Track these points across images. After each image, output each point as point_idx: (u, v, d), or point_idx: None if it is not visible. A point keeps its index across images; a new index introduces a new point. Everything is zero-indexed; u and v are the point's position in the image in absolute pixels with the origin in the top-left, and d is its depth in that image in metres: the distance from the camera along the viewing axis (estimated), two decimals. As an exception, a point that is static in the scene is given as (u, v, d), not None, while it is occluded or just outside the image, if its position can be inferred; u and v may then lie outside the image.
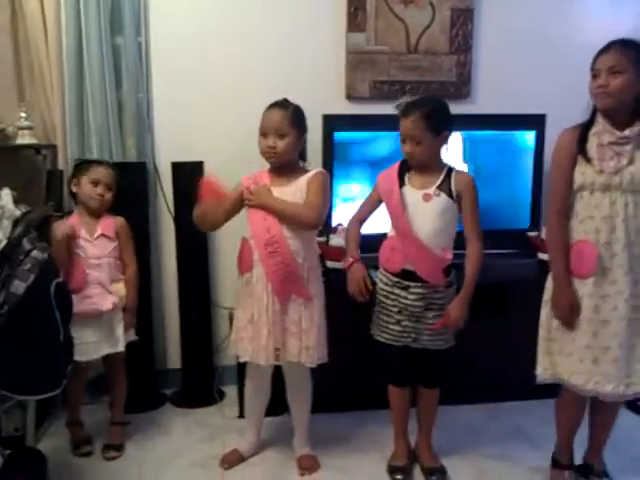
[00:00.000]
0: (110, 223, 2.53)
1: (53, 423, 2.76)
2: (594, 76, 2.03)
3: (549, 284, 2.21)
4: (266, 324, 2.27)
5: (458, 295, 2.25)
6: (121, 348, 2.49)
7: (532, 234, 3.05)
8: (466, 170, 2.33)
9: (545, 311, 2.22)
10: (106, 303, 2.41)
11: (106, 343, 2.45)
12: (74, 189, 2.52)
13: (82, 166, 2.55)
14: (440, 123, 2.21)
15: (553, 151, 2.21)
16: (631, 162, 2.03)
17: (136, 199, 2.91)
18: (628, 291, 2.03)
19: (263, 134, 2.27)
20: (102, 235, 2.49)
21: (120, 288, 2.50)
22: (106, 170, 2.53)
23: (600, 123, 2.06)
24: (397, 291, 2.28)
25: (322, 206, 2.30)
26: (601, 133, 2.05)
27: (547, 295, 2.21)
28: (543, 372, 2.20)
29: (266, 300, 2.28)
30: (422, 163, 2.25)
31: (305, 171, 2.34)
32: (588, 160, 2.06)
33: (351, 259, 2.32)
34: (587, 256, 2.07)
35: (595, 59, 2.04)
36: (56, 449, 2.57)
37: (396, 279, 2.28)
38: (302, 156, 2.41)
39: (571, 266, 2.11)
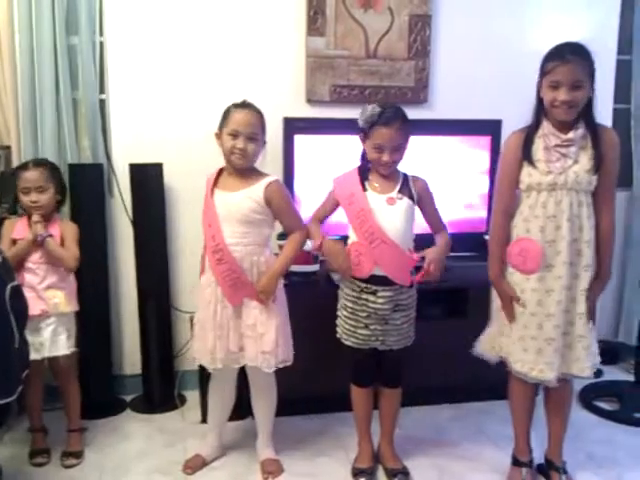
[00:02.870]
0: (56, 228, 2.47)
1: (8, 432, 2.68)
2: (553, 87, 2.05)
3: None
4: (212, 328, 2.27)
5: (434, 246, 2.28)
6: (41, 356, 2.39)
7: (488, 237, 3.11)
8: (421, 175, 2.37)
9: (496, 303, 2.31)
10: (34, 308, 2.28)
11: (32, 347, 2.30)
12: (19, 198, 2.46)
13: (15, 175, 2.46)
14: (410, 129, 2.27)
15: (501, 153, 2.28)
16: (576, 162, 2.10)
17: (93, 202, 2.86)
18: (568, 284, 2.13)
19: (233, 135, 2.24)
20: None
21: (56, 295, 2.43)
22: (33, 173, 2.42)
23: (545, 127, 2.12)
24: (365, 296, 2.29)
25: (298, 217, 2.38)
26: (547, 136, 2.12)
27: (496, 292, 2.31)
28: (488, 350, 2.32)
29: (213, 305, 2.27)
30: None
31: (258, 176, 2.31)
32: (532, 164, 2.13)
33: (320, 238, 2.32)
34: (532, 253, 2.14)
35: (551, 69, 2.04)
36: (12, 458, 2.51)
37: (364, 284, 2.29)
38: None
39: (514, 262, 2.19)
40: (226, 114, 2.28)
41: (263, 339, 2.28)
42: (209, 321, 2.28)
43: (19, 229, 2.44)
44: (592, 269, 2.15)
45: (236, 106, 2.28)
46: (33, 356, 2.32)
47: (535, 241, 2.14)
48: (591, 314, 2.18)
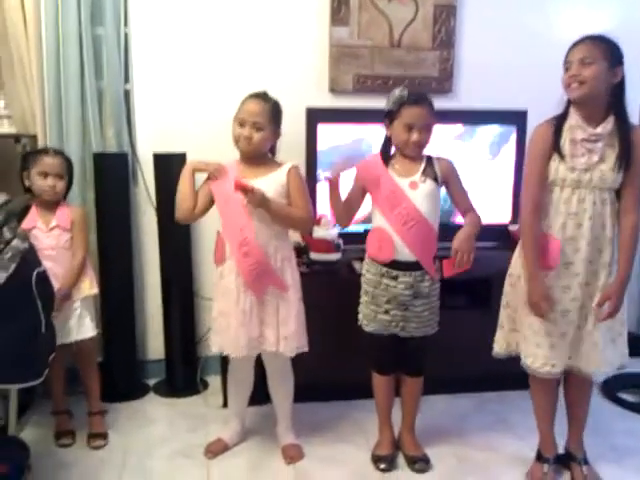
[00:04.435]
0: (66, 213, 2.49)
1: (35, 413, 2.74)
2: (566, 69, 2.06)
3: (515, 259, 2.28)
4: (235, 316, 2.28)
5: (459, 232, 2.21)
6: (70, 339, 2.45)
7: (513, 228, 3.09)
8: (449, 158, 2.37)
9: (509, 287, 2.30)
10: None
11: (61, 332, 2.36)
12: (26, 182, 2.48)
13: (29, 158, 2.49)
14: (435, 115, 2.28)
15: (528, 145, 2.24)
16: (602, 160, 2.06)
17: (117, 190, 2.90)
18: (586, 281, 2.11)
19: (240, 123, 2.26)
20: (57, 226, 2.46)
21: (80, 281, 2.48)
22: (53, 159, 2.46)
23: (573, 118, 2.08)
24: (386, 281, 2.29)
25: (309, 204, 2.35)
26: (574, 129, 2.08)
27: (512, 269, 2.29)
28: (504, 348, 2.32)
29: (236, 293, 2.28)
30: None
31: (276, 163, 2.35)
32: (561, 156, 2.09)
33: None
34: (551, 249, 2.12)
35: (567, 53, 2.07)
36: (39, 439, 2.56)
37: (385, 269, 2.29)
38: (272, 151, 2.40)
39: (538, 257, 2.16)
40: (240, 104, 2.30)
41: (284, 325, 2.31)
42: (232, 308, 2.29)
43: (28, 220, 2.43)
44: (613, 267, 2.12)
45: (250, 96, 2.30)
46: (63, 340, 2.38)
47: (555, 237, 2.12)
48: (613, 313, 2.13)
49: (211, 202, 2.33)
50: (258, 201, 2.19)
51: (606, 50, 2.02)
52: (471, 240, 2.19)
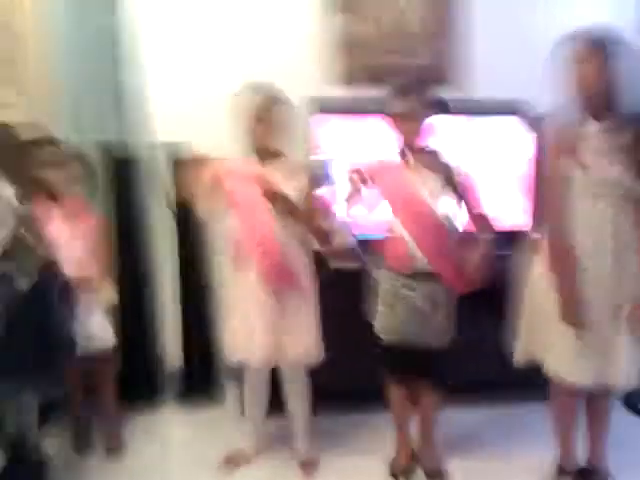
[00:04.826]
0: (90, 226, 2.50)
1: (53, 427, 2.72)
2: (567, 67, 2.02)
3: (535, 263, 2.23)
4: (260, 321, 2.27)
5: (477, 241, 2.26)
6: (93, 347, 2.43)
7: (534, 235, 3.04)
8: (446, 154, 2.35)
9: (530, 293, 2.25)
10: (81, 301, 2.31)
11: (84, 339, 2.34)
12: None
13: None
14: (432, 104, 2.27)
15: (546, 147, 2.19)
16: (613, 159, 2.02)
17: (134, 193, 2.89)
18: (612, 292, 2.07)
19: (258, 120, 2.24)
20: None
21: (102, 288, 2.49)
22: (58, 151, 2.48)
23: (584, 119, 2.06)
24: (403, 291, 2.28)
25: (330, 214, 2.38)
26: (587, 130, 2.05)
27: (527, 275, 2.25)
28: (524, 356, 2.27)
29: (260, 298, 2.27)
30: (420, 143, 2.27)
31: (286, 156, 2.34)
32: (576, 159, 2.05)
33: None
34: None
35: (565, 49, 2.03)
36: (58, 450, 2.56)
37: (402, 279, 2.28)
38: None
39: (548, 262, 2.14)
40: (247, 99, 2.27)
41: (306, 333, 2.31)
42: (256, 315, 2.27)
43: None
44: (634, 275, 2.08)
45: (255, 89, 2.28)
46: (84, 347, 2.37)
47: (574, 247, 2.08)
48: (634, 324, 2.10)
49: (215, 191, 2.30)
50: (288, 209, 2.22)
51: (603, 48, 1.99)
52: (486, 258, 2.23)
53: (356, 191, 2.30)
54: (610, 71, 1.99)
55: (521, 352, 2.29)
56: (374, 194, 2.32)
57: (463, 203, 2.30)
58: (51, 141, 2.50)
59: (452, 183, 2.27)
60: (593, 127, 2.05)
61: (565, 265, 2.11)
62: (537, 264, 2.22)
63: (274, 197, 2.19)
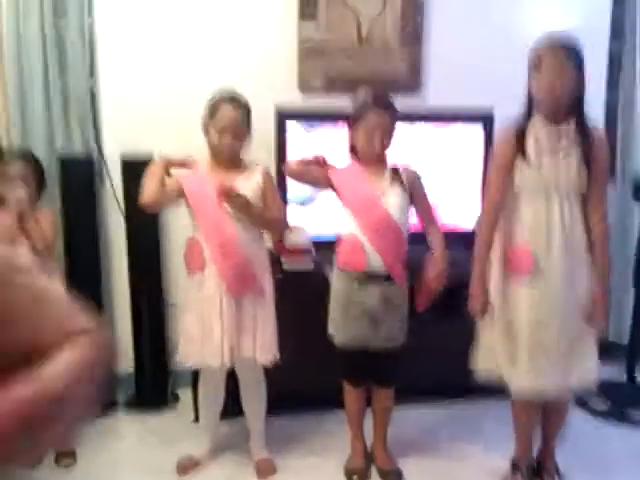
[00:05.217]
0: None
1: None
2: (539, 75, 2.05)
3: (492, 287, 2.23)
4: (219, 324, 2.24)
5: (435, 261, 2.29)
6: None
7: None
8: (412, 163, 2.38)
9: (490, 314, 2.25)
10: None
11: None
12: None
13: None
14: (397, 118, 2.28)
15: (493, 151, 2.24)
16: (566, 159, 2.07)
17: (83, 194, 2.82)
18: (562, 292, 2.10)
19: (221, 131, 2.23)
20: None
21: None
22: (17, 167, 2.40)
23: (536, 120, 2.10)
24: (357, 292, 2.28)
25: (283, 206, 2.39)
26: (537, 130, 2.09)
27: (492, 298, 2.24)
28: (486, 373, 2.25)
29: (219, 299, 2.24)
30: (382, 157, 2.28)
31: (245, 163, 2.33)
32: (526, 158, 2.09)
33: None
34: (521, 257, 2.12)
35: (538, 57, 2.06)
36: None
37: (356, 280, 2.27)
38: None
39: (509, 265, 2.16)
40: (212, 108, 2.26)
41: (262, 332, 2.30)
42: (214, 316, 2.24)
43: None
44: (587, 274, 2.13)
45: (223, 100, 2.26)
46: None
47: (524, 245, 2.11)
48: (596, 319, 2.15)
49: (178, 195, 2.28)
50: (242, 205, 2.19)
51: (576, 58, 2.05)
52: (444, 275, 2.28)
53: (310, 163, 2.31)
54: (577, 77, 2.04)
55: (482, 362, 2.27)
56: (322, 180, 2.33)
57: (420, 213, 2.34)
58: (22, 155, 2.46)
59: (412, 193, 2.29)
60: (548, 129, 2.08)
61: (480, 255, 2.20)
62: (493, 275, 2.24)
63: (229, 195, 2.16)
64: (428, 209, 2.36)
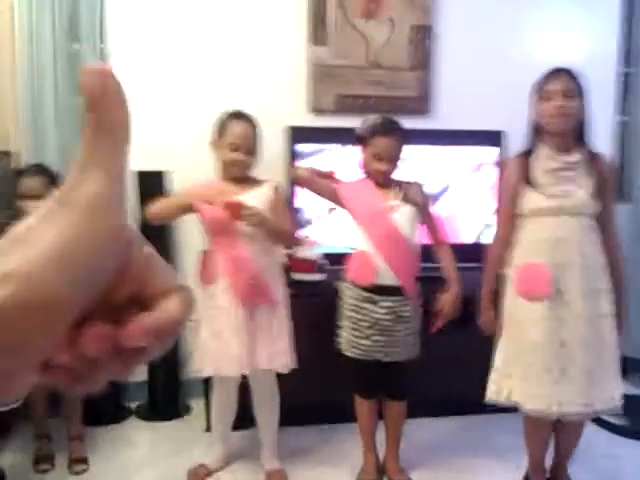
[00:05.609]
0: None
1: (14, 438, 2.68)
2: (547, 99, 2.09)
3: (505, 310, 2.22)
4: (235, 334, 2.25)
5: (449, 288, 2.32)
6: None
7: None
8: (425, 184, 2.40)
9: (502, 337, 2.23)
10: None
11: None
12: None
13: (16, 179, 2.45)
14: (405, 142, 2.31)
15: (502, 180, 2.30)
16: (578, 187, 2.08)
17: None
18: (582, 310, 2.07)
19: (234, 148, 2.26)
20: None
21: None
22: (33, 182, 2.42)
23: (544, 150, 2.12)
24: (367, 306, 2.29)
25: (293, 219, 2.41)
26: (546, 159, 2.11)
27: (502, 321, 2.23)
28: (497, 395, 2.22)
29: (233, 312, 2.26)
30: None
31: (256, 180, 2.35)
32: (534, 187, 2.11)
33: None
34: (541, 279, 2.09)
35: (543, 83, 2.11)
36: (16, 464, 2.50)
37: (366, 294, 2.29)
38: None
39: (524, 289, 2.13)
40: (223, 125, 2.29)
41: (277, 341, 2.31)
42: (228, 327, 2.26)
43: None
44: (606, 292, 2.11)
45: (233, 117, 2.30)
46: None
47: (544, 265, 2.09)
48: (615, 336, 2.13)
49: (186, 211, 2.32)
50: (257, 219, 2.21)
51: (580, 85, 2.10)
52: (458, 300, 2.32)
53: (320, 174, 2.35)
54: (581, 102, 2.09)
55: (493, 389, 2.24)
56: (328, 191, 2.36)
57: (429, 230, 2.36)
58: (30, 173, 2.47)
59: (421, 210, 2.31)
60: (555, 159, 2.10)
61: (488, 281, 2.25)
62: (508, 297, 2.23)
63: (238, 211, 2.18)
64: (437, 226, 2.38)
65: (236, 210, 2.17)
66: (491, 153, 3.14)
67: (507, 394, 2.19)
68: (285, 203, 2.42)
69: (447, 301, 2.30)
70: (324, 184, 2.35)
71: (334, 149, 2.99)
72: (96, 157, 0.34)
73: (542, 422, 2.23)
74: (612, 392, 2.11)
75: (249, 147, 2.28)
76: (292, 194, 2.85)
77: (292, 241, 2.54)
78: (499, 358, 2.23)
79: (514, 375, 2.17)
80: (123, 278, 0.34)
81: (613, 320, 2.12)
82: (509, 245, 2.20)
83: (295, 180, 2.48)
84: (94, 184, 0.34)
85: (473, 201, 3.16)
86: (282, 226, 2.33)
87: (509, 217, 2.20)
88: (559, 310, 2.08)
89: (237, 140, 2.26)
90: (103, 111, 0.35)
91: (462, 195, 3.13)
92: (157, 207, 2.29)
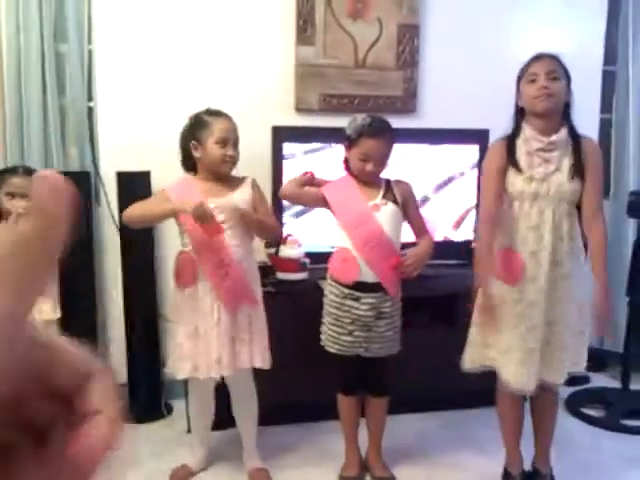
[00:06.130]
0: None
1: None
2: (531, 81, 2.10)
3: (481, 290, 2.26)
4: (216, 337, 2.23)
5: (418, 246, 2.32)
6: None
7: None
8: (411, 183, 2.40)
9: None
10: None
11: None
12: None
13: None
14: (394, 142, 2.30)
15: (483, 163, 2.29)
16: (558, 169, 2.11)
17: (79, 210, 2.84)
18: (550, 295, 2.12)
19: (222, 143, 2.24)
20: None
21: (42, 304, 2.41)
22: (22, 180, 2.38)
23: (527, 131, 2.13)
24: (349, 302, 2.29)
25: (272, 213, 2.39)
26: (529, 140, 2.13)
27: (479, 300, 2.27)
28: (473, 364, 2.26)
29: (217, 312, 2.24)
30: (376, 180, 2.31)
31: (236, 177, 2.34)
32: (517, 168, 2.12)
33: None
34: (514, 264, 2.14)
35: (527, 66, 2.13)
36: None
37: (348, 291, 2.29)
38: None
39: (497, 274, 2.17)
40: (204, 123, 2.26)
41: (258, 340, 2.31)
42: (210, 330, 2.23)
43: None
44: (573, 280, 2.14)
45: (212, 114, 2.28)
46: None
47: (517, 252, 2.13)
48: (599, 325, 2.16)
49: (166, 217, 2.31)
50: (240, 217, 2.21)
51: (564, 69, 2.12)
52: (421, 254, 2.28)
53: (301, 183, 2.31)
54: (565, 84, 2.11)
55: (473, 360, 2.29)
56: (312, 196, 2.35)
57: (412, 225, 2.37)
58: (19, 171, 2.43)
59: (404, 206, 2.32)
60: (539, 140, 2.11)
61: (482, 264, 2.21)
62: None
63: (215, 227, 2.17)
64: (420, 221, 2.38)
65: (214, 228, 2.16)
66: (477, 152, 3.16)
67: (483, 361, 2.24)
68: (264, 197, 2.41)
69: (412, 250, 2.29)
70: (310, 193, 2.33)
71: (320, 149, 2.98)
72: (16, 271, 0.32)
73: (512, 398, 2.28)
74: (558, 369, 2.17)
75: (236, 142, 2.28)
76: (276, 194, 2.84)
77: (276, 232, 2.50)
78: (476, 332, 2.28)
79: (491, 348, 2.23)
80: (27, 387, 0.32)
81: (581, 306, 2.16)
82: (495, 229, 2.18)
83: (282, 198, 2.47)
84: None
85: (458, 199, 3.17)
86: (266, 219, 2.33)
87: (492, 201, 2.17)
88: (531, 294, 2.12)
89: (226, 134, 2.24)
90: (44, 224, 0.33)
91: (448, 193, 3.15)
92: (135, 213, 2.27)
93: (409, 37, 3.20)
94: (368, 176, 2.27)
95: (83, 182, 2.87)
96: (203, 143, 2.25)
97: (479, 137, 3.13)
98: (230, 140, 2.25)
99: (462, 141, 3.18)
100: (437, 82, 3.27)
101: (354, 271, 2.26)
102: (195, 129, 2.28)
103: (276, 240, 2.77)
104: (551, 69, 2.09)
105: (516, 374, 2.16)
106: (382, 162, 2.26)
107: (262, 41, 3.07)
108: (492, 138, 3.03)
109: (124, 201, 2.86)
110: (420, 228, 2.38)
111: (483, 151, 3.10)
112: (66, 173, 2.81)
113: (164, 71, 2.99)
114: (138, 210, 2.27)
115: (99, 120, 2.98)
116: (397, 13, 3.16)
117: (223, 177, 2.30)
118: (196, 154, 2.28)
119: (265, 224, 2.33)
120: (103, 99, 2.96)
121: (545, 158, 2.11)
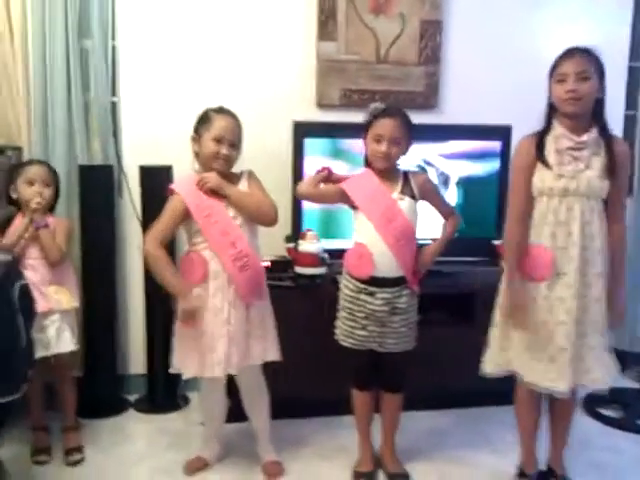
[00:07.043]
0: (51, 224, 2.48)
1: (13, 429, 2.68)
2: (560, 81, 2.07)
3: (503, 286, 2.25)
4: (226, 335, 2.23)
5: (434, 243, 2.40)
6: (49, 353, 2.41)
7: (497, 242, 3.10)
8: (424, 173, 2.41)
9: (499, 312, 2.27)
10: (39, 306, 2.25)
11: (39, 344, 2.31)
12: (13, 195, 2.48)
13: (14, 170, 2.51)
14: (412, 132, 2.30)
15: (512, 158, 2.27)
16: (588, 167, 2.08)
17: (102, 203, 2.89)
18: (580, 292, 2.09)
19: (217, 140, 2.24)
20: None
21: (59, 291, 2.46)
22: (39, 168, 2.49)
23: (557, 129, 2.11)
24: (363, 297, 2.29)
25: (273, 202, 2.33)
26: (559, 138, 2.10)
27: (501, 298, 2.26)
28: (494, 368, 2.26)
29: (226, 310, 2.24)
30: (391, 166, 2.30)
31: (234, 174, 2.35)
32: (547, 166, 2.11)
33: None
34: (543, 260, 2.12)
35: (558, 65, 2.10)
36: (14, 456, 2.52)
37: (363, 285, 2.29)
38: None
39: (526, 269, 2.15)
40: (206, 119, 2.28)
41: (270, 332, 2.34)
42: (220, 328, 2.23)
43: (17, 225, 2.44)
44: (604, 277, 2.12)
45: (216, 111, 2.29)
46: (40, 353, 2.34)
47: (546, 248, 2.11)
48: (615, 323, 2.16)
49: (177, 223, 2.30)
50: (215, 184, 2.23)
51: (597, 65, 2.07)
52: (434, 256, 2.36)
53: (318, 180, 2.32)
54: (598, 82, 2.07)
55: (491, 364, 2.28)
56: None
57: (438, 208, 2.40)
58: (34, 161, 2.55)
59: (424, 197, 2.34)
60: (570, 139, 2.09)
61: (509, 263, 2.19)
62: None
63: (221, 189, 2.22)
64: (444, 204, 2.43)
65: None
66: (499, 148, 3.13)
67: (504, 365, 2.24)
68: (261, 185, 2.36)
69: (427, 252, 2.36)
70: (329, 191, 2.34)
71: (341, 143, 2.97)
72: None
73: (531, 398, 2.26)
74: (596, 372, 2.13)
75: (233, 141, 2.27)
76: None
77: (272, 213, 2.32)
78: (494, 334, 2.27)
79: (511, 347, 2.21)
80: None
81: (605, 306, 2.13)
82: (525, 225, 2.17)
83: (299, 198, 2.48)
84: None
85: (479, 196, 3.15)
86: (258, 197, 2.30)
87: (522, 197, 2.16)
88: (560, 291, 2.10)
89: (223, 133, 2.24)
90: None
91: (468, 189, 3.12)
92: (148, 262, 2.30)
93: (431, 33, 3.19)
94: (381, 159, 2.26)
95: (106, 176, 2.92)
96: (201, 137, 2.27)
97: (501, 133, 3.10)
98: (226, 139, 2.25)
99: (484, 137, 3.15)
100: (459, 78, 3.26)
101: (369, 266, 2.27)
102: (198, 123, 2.30)
103: (295, 234, 2.80)
104: (581, 69, 2.04)
105: (544, 372, 2.12)
106: (395, 144, 2.25)
107: (284, 37, 3.08)
108: (514, 134, 3.02)
109: (146, 195, 2.91)
110: (446, 211, 2.42)
111: (505, 147, 3.09)
112: (90, 167, 2.87)
113: (187, 67, 3.02)
114: (151, 261, 2.29)
115: (122, 115, 3.02)
116: (420, 9, 3.15)
117: (222, 174, 2.29)
118: (194, 148, 2.31)
119: (249, 201, 2.27)
120: (126, 94, 3.00)
121: (575, 156, 2.09)
